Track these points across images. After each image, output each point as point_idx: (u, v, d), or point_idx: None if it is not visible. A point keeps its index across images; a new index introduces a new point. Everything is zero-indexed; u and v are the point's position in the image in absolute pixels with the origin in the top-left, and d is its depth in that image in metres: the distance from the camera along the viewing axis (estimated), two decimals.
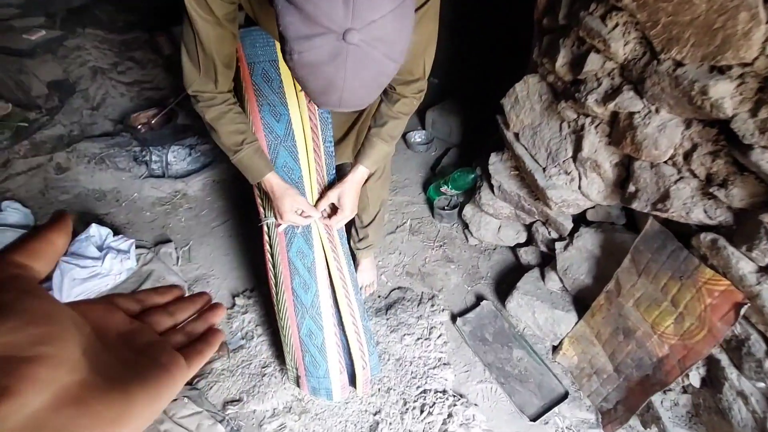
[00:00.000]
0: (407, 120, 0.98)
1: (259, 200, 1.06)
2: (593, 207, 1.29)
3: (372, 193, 1.24)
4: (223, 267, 1.55)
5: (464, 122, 2.06)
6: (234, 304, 1.43)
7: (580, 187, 1.22)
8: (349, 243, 1.25)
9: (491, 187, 1.51)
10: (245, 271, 1.54)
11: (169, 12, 2.01)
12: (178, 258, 1.56)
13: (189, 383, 1.23)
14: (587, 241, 1.28)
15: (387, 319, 1.39)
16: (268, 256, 1.08)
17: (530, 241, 1.56)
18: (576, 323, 1.27)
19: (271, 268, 1.08)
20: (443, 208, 1.71)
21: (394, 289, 1.51)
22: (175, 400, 1.17)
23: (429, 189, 1.80)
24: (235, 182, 1.87)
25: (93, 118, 1.89)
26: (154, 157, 1.86)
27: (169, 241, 1.61)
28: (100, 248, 1.40)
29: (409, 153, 2.09)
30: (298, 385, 1.18)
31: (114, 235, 1.46)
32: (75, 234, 1.48)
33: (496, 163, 1.50)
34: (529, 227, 1.56)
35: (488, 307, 1.43)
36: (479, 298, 1.48)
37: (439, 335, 1.37)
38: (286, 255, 1.03)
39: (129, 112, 1.93)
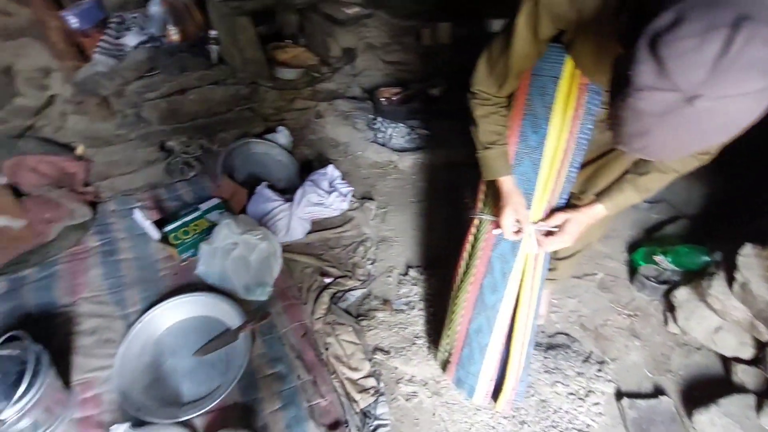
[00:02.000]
0: (675, 179, 0.93)
1: (482, 195, 1.19)
2: None
3: (586, 231, 1.23)
4: (407, 238, 1.79)
5: (711, 192, 1.79)
6: (407, 273, 1.64)
7: None
8: None
9: (731, 280, 1.30)
10: (424, 250, 1.73)
11: (446, 9, 2.35)
12: (375, 215, 1.87)
13: (355, 317, 1.49)
14: None
15: (544, 358, 1.38)
16: (468, 246, 1.20)
17: (757, 361, 1.29)
18: None
19: (466, 258, 1.20)
20: (649, 278, 1.55)
21: (561, 333, 1.47)
22: (343, 324, 1.45)
23: (638, 251, 1.65)
24: (441, 171, 2.09)
25: (352, 82, 2.38)
26: (382, 128, 2.24)
27: (372, 199, 1.94)
28: (329, 185, 1.78)
29: None
30: (444, 369, 1.30)
31: (341, 180, 1.84)
32: (316, 167, 1.93)
33: (750, 257, 1.28)
34: (762, 345, 1.29)
35: (668, 405, 1.27)
36: (658, 391, 1.31)
37: (596, 403, 1.28)
38: (489, 253, 1.14)
39: (379, 85, 2.36)
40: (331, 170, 1.80)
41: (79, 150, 1.78)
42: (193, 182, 1.89)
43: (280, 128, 2.09)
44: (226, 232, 1.37)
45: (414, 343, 1.42)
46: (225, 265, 1.44)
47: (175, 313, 1.39)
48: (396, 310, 1.52)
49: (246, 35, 1.60)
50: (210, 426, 1.16)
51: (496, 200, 1.07)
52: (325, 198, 1.73)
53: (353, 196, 1.90)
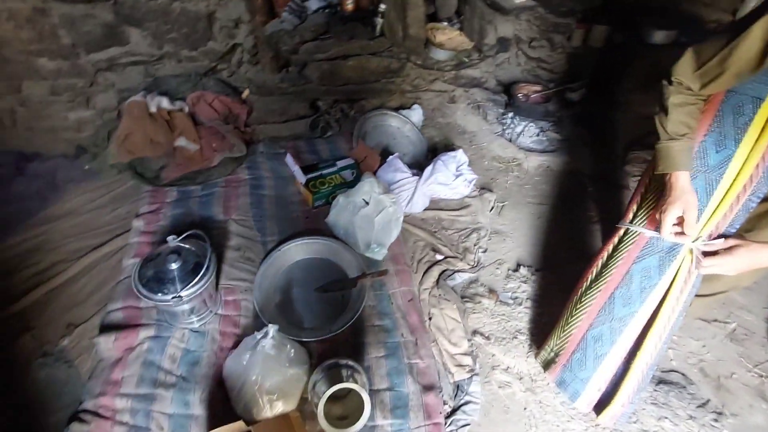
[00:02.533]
0: None
1: (635, 205, 1.15)
2: None
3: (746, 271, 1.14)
4: (521, 237, 1.79)
5: None
6: (518, 269, 1.66)
7: None
8: None
9: None
10: (537, 251, 1.73)
11: (606, 12, 2.24)
12: (492, 207, 1.89)
13: (460, 298, 1.55)
14: None
15: (654, 390, 1.32)
16: (604, 253, 1.18)
17: None
18: None
19: (599, 265, 1.19)
20: None
21: (677, 371, 1.39)
22: (448, 300, 1.52)
23: None
24: (565, 177, 2.04)
25: (491, 73, 2.39)
26: (512, 124, 2.23)
27: (491, 191, 1.97)
28: (456, 168, 1.84)
29: None
30: (545, 369, 1.31)
31: (467, 166, 1.89)
32: (440, 150, 2.00)
33: None
34: None
35: None
36: None
37: None
38: (629, 264, 1.11)
39: (517, 80, 2.35)
40: (460, 154, 1.86)
41: (245, 94, 2.06)
42: (330, 141, 2.08)
43: (416, 106, 2.19)
44: (368, 188, 1.50)
45: (515, 337, 1.45)
46: (353, 220, 1.58)
47: (305, 250, 1.58)
48: (501, 301, 1.55)
49: (414, 12, 1.71)
50: (324, 352, 1.32)
51: (659, 197, 1.02)
52: (451, 182, 1.80)
53: (474, 184, 1.94)
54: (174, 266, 1.22)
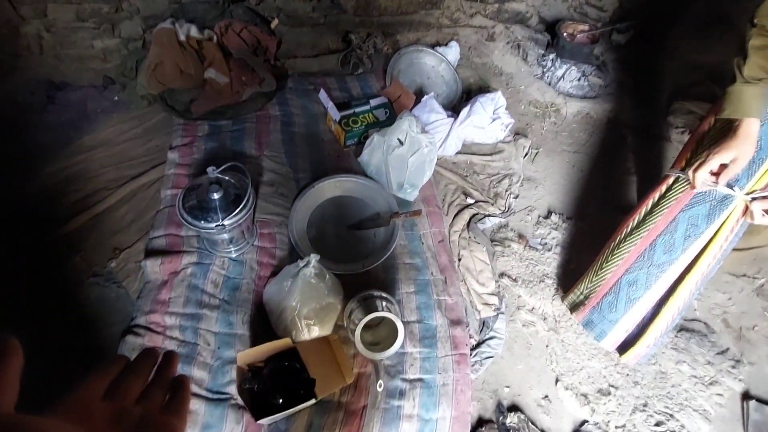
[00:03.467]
0: None
1: (688, 153, 1.13)
2: None
3: None
4: (553, 184, 1.79)
5: None
6: (549, 216, 1.67)
7: None
8: None
9: None
10: (569, 200, 1.73)
11: None
12: (526, 153, 1.87)
13: (490, 241, 1.59)
14: None
15: (675, 336, 1.38)
16: (649, 201, 1.18)
17: None
18: None
19: (643, 212, 1.19)
20: None
21: (699, 321, 1.44)
22: (477, 243, 1.56)
23: None
24: (604, 126, 1.98)
25: (535, 8, 2.24)
26: (552, 66, 2.13)
27: (525, 136, 1.93)
28: (493, 111, 1.80)
29: None
30: (572, 310, 1.37)
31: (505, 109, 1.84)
32: (474, 92, 1.93)
33: None
34: None
35: None
36: None
37: (719, 394, 1.28)
38: (677, 212, 1.10)
39: (562, 18, 2.21)
40: (498, 96, 1.80)
41: (274, 24, 1.99)
42: (361, 78, 2.03)
43: (453, 43, 2.09)
44: (406, 127, 1.49)
45: (542, 281, 1.50)
46: (387, 159, 1.59)
47: (338, 188, 1.61)
48: (530, 246, 1.59)
49: None
50: (357, 286, 1.39)
51: (700, 157, 1.00)
52: (487, 125, 1.77)
53: (509, 129, 1.91)
54: (216, 196, 1.27)
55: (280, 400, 0.99)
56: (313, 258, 1.19)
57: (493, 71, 2.17)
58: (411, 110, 1.80)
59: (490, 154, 1.85)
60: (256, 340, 1.27)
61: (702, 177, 0.98)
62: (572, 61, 2.10)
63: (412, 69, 2.03)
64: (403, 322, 1.33)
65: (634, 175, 1.82)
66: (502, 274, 1.52)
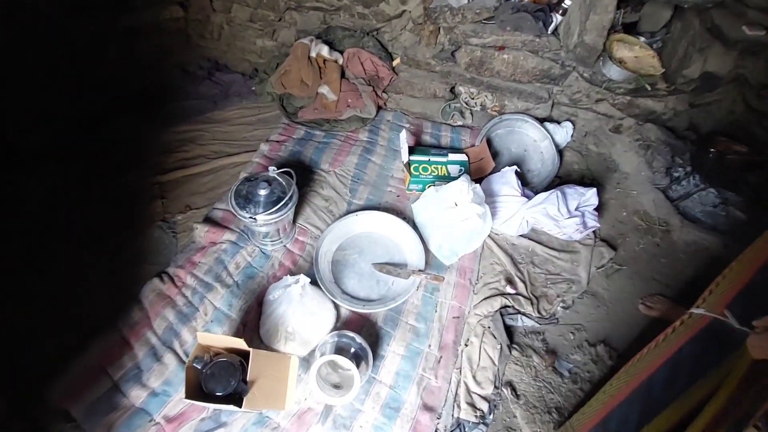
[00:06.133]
0: None
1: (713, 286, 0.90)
2: None
3: None
4: (620, 312, 1.54)
5: None
6: (595, 345, 1.44)
7: None
8: None
9: None
10: (631, 337, 1.47)
11: None
12: (603, 266, 1.65)
13: (510, 341, 1.45)
14: None
15: None
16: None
17: None
18: None
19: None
20: None
21: None
22: (494, 338, 1.44)
23: None
24: (719, 270, 1.63)
25: (680, 113, 1.99)
26: (684, 181, 1.85)
27: (613, 247, 1.71)
28: (576, 207, 1.64)
29: None
30: None
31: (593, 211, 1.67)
32: (574, 180, 1.79)
33: None
34: None
35: None
36: None
37: None
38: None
39: (717, 131, 1.91)
40: (590, 194, 1.64)
41: (396, 61, 2.19)
42: (456, 131, 2.08)
43: (567, 123, 2.00)
44: (457, 189, 1.49)
45: (549, 413, 1.30)
46: (435, 215, 1.59)
47: (380, 224, 1.67)
48: (556, 369, 1.39)
49: (599, 17, 1.50)
50: (351, 322, 1.42)
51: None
52: (562, 219, 1.62)
53: (594, 232, 1.72)
54: (262, 192, 1.45)
55: (217, 393, 1.07)
56: (303, 279, 1.26)
57: (606, 165, 1.98)
58: (486, 177, 1.77)
59: (559, 251, 1.68)
60: (243, 328, 1.39)
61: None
62: (713, 182, 1.80)
63: (510, 137, 1.99)
64: (375, 379, 1.31)
65: None
66: (507, 383, 1.36)
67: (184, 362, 1.31)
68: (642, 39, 1.81)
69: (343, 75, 2.16)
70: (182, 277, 1.51)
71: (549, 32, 1.78)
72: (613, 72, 1.74)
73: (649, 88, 1.77)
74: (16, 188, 1.70)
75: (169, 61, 2.43)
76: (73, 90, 2.03)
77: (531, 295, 1.56)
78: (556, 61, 1.81)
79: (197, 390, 1.08)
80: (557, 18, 1.76)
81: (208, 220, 1.67)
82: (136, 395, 1.22)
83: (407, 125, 2.10)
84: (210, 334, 1.11)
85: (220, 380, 1.08)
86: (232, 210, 1.45)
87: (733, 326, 0.89)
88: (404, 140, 1.77)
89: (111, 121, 2.06)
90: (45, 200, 1.70)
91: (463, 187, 1.47)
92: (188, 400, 1.07)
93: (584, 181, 1.92)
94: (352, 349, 1.26)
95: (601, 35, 1.61)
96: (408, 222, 1.66)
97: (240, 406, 1.04)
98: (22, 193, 1.70)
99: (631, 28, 1.90)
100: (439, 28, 1.98)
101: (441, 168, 1.79)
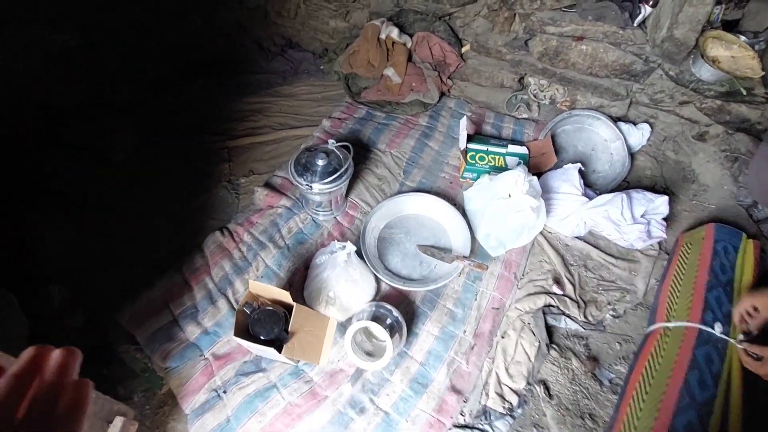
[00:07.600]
0: None
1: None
2: None
3: None
4: None
5: None
6: None
7: None
8: None
9: None
10: None
11: None
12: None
13: (549, 341, 1.43)
14: None
15: None
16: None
17: None
18: None
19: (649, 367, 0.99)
20: None
21: None
22: (533, 335, 1.43)
23: None
24: None
25: None
26: None
27: None
28: (643, 215, 1.57)
29: None
30: None
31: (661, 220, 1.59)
32: (643, 184, 1.70)
33: None
34: None
35: None
36: None
37: None
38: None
39: None
40: (660, 202, 1.56)
41: (466, 48, 2.19)
42: (520, 123, 2.05)
43: (644, 125, 1.90)
44: (511, 179, 1.49)
45: (582, 418, 1.28)
46: (487, 205, 1.60)
47: (429, 208, 1.71)
48: (595, 376, 1.36)
49: (694, 9, 1.40)
50: (390, 297, 1.48)
51: None
52: (624, 224, 1.56)
53: (659, 243, 1.64)
54: (320, 162, 1.54)
55: (261, 337, 1.19)
56: (349, 247, 1.34)
57: (683, 174, 1.85)
58: (546, 172, 1.74)
59: (617, 258, 1.62)
60: (288, 288, 1.50)
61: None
62: None
63: (578, 134, 1.93)
64: (406, 354, 1.37)
65: None
66: (541, 381, 1.36)
67: (234, 308, 1.45)
68: (742, 38, 1.67)
69: (410, 59, 2.21)
70: (240, 233, 1.65)
71: (635, 24, 1.69)
72: (704, 72, 1.63)
73: (745, 93, 1.63)
74: (112, 137, 1.94)
75: (247, 35, 2.62)
76: (159, 53, 2.27)
77: (579, 299, 1.53)
78: (639, 55, 1.72)
79: (244, 332, 1.20)
80: (646, 10, 1.67)
81: (268, 185, 1.81)
82: (191, 331, 1.37)
83: (469, 113, 2.11)
84: (260, 283, 1.22)
85: (264, 326, 1.19)
86: (291, 177, 1.56)
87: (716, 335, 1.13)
88: (464, 127, 1.78)
89: (188, 84, 2.28)
90: (130, 150, 1.94)
91: (518, 177, 1.47)
92: (235, 342, 1.18)
93: (655, 188, 1.82)
94: (388, 321, 1.33)
95: (694, 30, 1.51)
96: (458, 209, 1.68)
97: (280, 352, 1.14)
98: (114, 142, 1.94)
99: (731, 27, 1.76)
100: (515, 15, 1.96)
101: (499, 159, 1.79)
